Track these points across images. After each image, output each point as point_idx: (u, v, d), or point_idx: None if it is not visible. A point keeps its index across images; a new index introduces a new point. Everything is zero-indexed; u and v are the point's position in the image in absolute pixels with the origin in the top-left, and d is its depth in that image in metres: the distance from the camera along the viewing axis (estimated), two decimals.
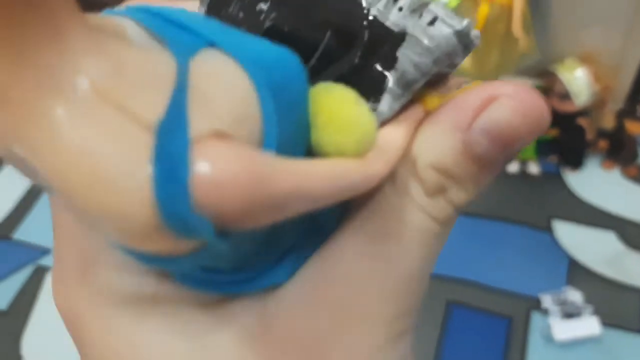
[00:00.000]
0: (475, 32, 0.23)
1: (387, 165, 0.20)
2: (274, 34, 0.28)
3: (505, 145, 0.20)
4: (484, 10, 1.17)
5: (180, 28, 0.22)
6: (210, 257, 0.18)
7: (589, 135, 1.48)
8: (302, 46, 0.27)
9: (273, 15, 0.29)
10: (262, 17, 0.29)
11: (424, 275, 0.21)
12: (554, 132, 1.51)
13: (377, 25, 0.25)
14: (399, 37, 0.24)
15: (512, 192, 1.54)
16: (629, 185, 1.52)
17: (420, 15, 0.24)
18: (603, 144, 1.52)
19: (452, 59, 0.23)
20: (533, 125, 0.20)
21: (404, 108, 0.23)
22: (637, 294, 1.34)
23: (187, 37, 0.21)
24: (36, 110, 0.16)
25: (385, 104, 0.24)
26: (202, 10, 0.31)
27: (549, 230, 1.46)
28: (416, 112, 0.23)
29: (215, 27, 0.23)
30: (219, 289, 0.21)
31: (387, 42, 0.24)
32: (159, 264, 0.18)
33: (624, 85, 1.44)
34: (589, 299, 1.31)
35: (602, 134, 1.50)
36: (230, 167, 0.15)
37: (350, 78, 0.25)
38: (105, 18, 0.19)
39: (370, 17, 0.25)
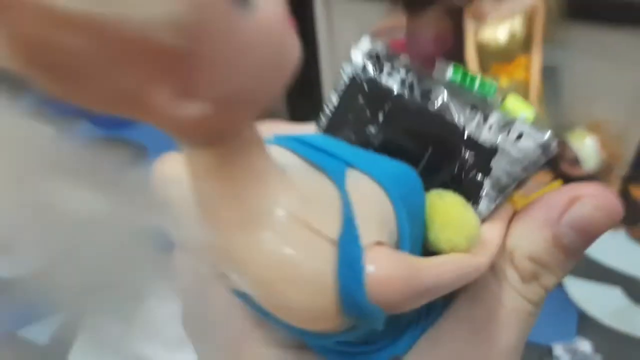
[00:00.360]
0: (554, 142, 0.30)
1: (489, 257, 0.24)
2: (382, 151, 0.35)
3: (588, 237, 0.25)
4: (504, 83, 1.31)
5: (325, 153, 0.29)
6: (357, 334, 0.21)
7: None
8: (406, 160, 0.33)
9: (381, 137, 0.36)
10: (371, 138, 0.36)
11: (519, 348, 0.25)
12: None
13: (472, 142, 0.33)
14: (492, 151, 0.31)
15: None
16: (634, 246, 1.63)
17: (509, 132, 0.32)
18: None
19: (537, 166, 0.30)
20: (611, 218, 0.26)
21: (501, 207, 0.29)
22: None
23: (332, 161, 0.28)
24: (245, 232, 0.20)
25: (484, 205, 0.31)
26: (321, 129, 0.39)
27: (560, 285, 1.56)
28: (507, 211, 0.28)
29: (347, 150, 0.31)
30: (350, 359, 0.25)
31: (481, 155, 0.32)
32: (312, 339, 0.23)
33: (629, 152, 1.57)
34: (598, 349, 1.41)
35: None
36: (391, 269, 0.20)
37: (451, 185, 0.32)
38: (274, 150, 0.25)
39: (466, 135, 0.32)
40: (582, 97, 1.52)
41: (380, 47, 0.39)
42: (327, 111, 0.38)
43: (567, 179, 1.58)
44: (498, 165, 0.31)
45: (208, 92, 0.18)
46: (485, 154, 0.31)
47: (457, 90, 0.35)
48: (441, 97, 0.34)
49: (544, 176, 1.59)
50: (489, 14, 1.26)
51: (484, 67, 1.33)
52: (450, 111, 0.33)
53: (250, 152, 0.22)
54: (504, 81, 1.32)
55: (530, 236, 0.26)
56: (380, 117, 0.36)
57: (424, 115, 0.34)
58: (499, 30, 1.27)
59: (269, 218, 0.21)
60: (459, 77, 0.36)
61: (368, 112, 0.36)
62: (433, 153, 0.34)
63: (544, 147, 0.30)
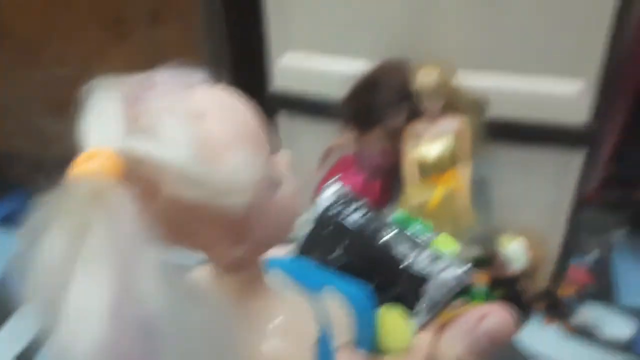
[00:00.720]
0: (471, 272, 0.46)
1: (420, 359, 0.40)
2: (344, 270, 0.48)
3: (495, 343, 0.40)
4: (439, 192, 1.53)
5: (304, 274, 0.43)
6: None
7: (528, 296, 1.79)
8: (361, 279, 0.47)
9: (343, 260, 0.50)
10: (337, 259, 0.50)
11: None
12: (500, 294, 1.81)
13: (410, 270, 0.46)
14: (424, 278, 0.45)
15: None
16: (567, 339, 1.79)
17: (437, 264, 0.47)
18: (541, 305, 1.82)
19: (460, 288, 0.45)
20: (510, 328, 0.42)
21: (430, 320, 0.43)
22: None
23: (311, 281, 0.42)
24: (250, 336, 0.36)
25: (419, 318, 0.44)
26: (296, 251, 0.54)
27: None
28: (436, 324, 0.42)
29: (321, 271, 0.46)
30: None
31: (416, 281, 0.45)
32: None
33: (554, 253, 1.78)
34: None
35: (538, 295, 1.80)
36: None
37: (395, 301, 0.45)
38: (269, 273, 0.41)
39: (405, 265, 0.46)
40: (509, 206, 1.74)
41: (346, 189, 0.56)
42: (302, 236, 0.54)
43: (500, 279, 1.77)
44: (429, 289, 0.45)
45: (250, 241, 0.37)
46: (420, 280, 0.45)
47: (402, 228, 0.49)
48: (389, 234, 0.50)
49: (482, 277, 1.77)
50: (423, 135, 1.50)
51: (422, 177, 1.55)
52: (395, 244, 0.47)
53: (260, 276, 0.38)
54: (439, 189, 1.54)
55: (455, 343, 0.40)
56: (342, 246, 0.49)
57: (375, 247, 0.47)
58: (431, 148, 1.50)
59: (268, 326, 0.35)
60: (403, 218, 0.51)
61: (333, 241, 0.50)
62: (381, 277, 0.47)
63: (463, 276, 0.45)
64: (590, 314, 1.84)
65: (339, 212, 0.49)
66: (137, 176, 0.31)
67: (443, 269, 0.46)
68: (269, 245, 0.40)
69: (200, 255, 0.38)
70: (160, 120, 0.32)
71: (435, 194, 1.54)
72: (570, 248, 1.79)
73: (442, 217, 1.57)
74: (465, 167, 1.53)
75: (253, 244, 0.37)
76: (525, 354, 1.75)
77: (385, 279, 0.46)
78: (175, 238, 0.34)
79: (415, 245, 0.47)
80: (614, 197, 2.15)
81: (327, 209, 0.50)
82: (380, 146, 1.57)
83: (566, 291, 1.78)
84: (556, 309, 1.80)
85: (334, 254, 0.48)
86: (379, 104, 1.49)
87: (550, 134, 1.57)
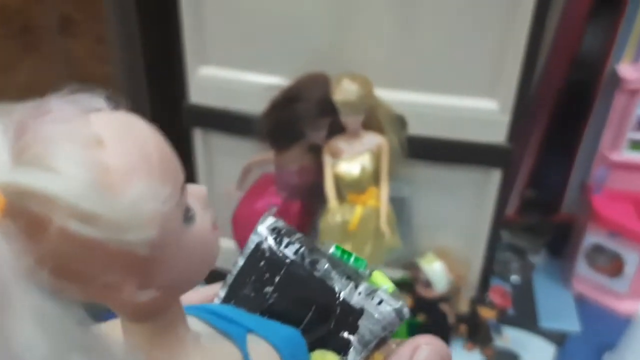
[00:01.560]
0: (406, 308, 0.42)
1: None
2: (275, 308, 0.46)
3: None
4: (359, 211, 1.49)
5: (228, 320, 0.40)
6: None
7: (451, 319, 1.76)
8: (293, 317, 0.45)
9: (275, 296, 0.47)
10: (267, 296, 0.47)
11: None
12: (422, 317, 1.78)
13: (345, 304, 0.44)
14: (359, 312, 0.43)
15: None
16: None
17: (372, 298, 0.44)
18: (462, 328, 1.80)
19: (392, 326, 0.41)
20: (443, 355, 0.39)
21: (364, 358, 0.41)
22: None
23: (235, 327, 0.39)
24: None
25: (351, 357, 0.42)
26: (224, 290, 0.50)
27: None
28: None
29: (247, 317, 0.42)
30: None
31: (351, 315, 0.43)
32: None
33: (474, 276, 1.76)
34: None
35: (460, 318, 1.78)
36: None
37: (327, 339, 0.42)
38: (189, 319, 0.36)
39: (341, 299, 0.44)
40: (429, 226, 1.72)
41: (281, 223, 0.53)
42: (234, 271, 0.49)
43: (422, 302, 1.74)
44: (363, 324, 0.42)
45: (160, 283, 0.31)
46: (354, 315, 0.43)
47: (337, 263, 0.47)
48: (324, 267, 0.47)
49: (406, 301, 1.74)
50: (343, 151, 1.46)
51: (341, 195, 1.51)
52: (330, 278, 0.46)
53: (176, 324, 0.34)
54: (359, 209, 1.50)
55: None
56: (276, 280, 0.47)
57: (310, 281, 0.45)
58: (352, 165, 1.46)
59: None
60: (339, 253, 0.49)
61: (267, 275, 0.47)
62: (315, 311, 0.44)
63: (398, 312, 0.42)
64: (512, 338, 1.83)
65: (272, 247, 0.47)
66: (24, 211, 0.28)
67: (380, 303, 0.43)
68: (182, 288, 0.36)
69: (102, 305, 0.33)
70: (51, 150, 0.28)
71: (355, 213, 1.50)
72: (490, 270, 1.79)
73: (362, 237, 1.53)
74: (384, 186, 1.50)
75: (163, 287, 0.33)
76: None
77: (320, 314, 0.44)
78: (70, 283, 0.30)
79: (351, 278, 0.45)
80: (532, 220, 2.18)
81: (260, 243, 0.48)
82: (299, 164, 1.52)
83: (488, 314, 1.76)
84: (477, 333, 1.78)
85: (266, 290, 0.46)
86: (299, 119, 1.44)
87: (468, 154, 1.57)
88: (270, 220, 0.51)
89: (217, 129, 1.71)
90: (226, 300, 0.49)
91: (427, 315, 1.77)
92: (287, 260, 0.47)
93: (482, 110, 1.50)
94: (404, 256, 1.73)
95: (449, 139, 1.54)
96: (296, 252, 0.48)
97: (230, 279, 0.49)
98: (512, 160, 1.57)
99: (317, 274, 0.45)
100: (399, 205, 1.67)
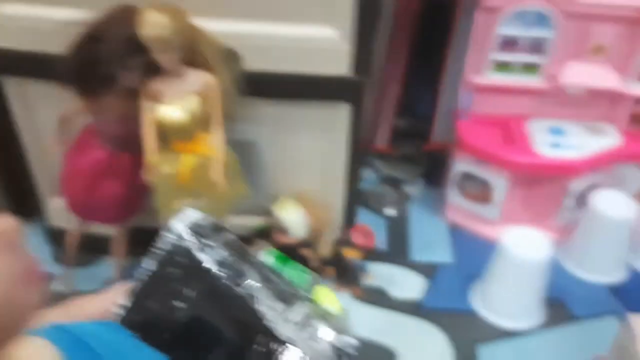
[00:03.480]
0: (352, 344, 0.32)
1: None
2: (183, 328, 0.37)
3: None
4: (188, 160, 1.33)
5: (85, 349, 0.32)
6: None
7: (313, 263, 1.67)
8: (201, 343, 0.36)
9: (189, 313, 0.38)
10: (177, 312, 0.38)
11: None
12: None
13: (268, 334, 0.34)
14: (283, 346, 0.33)
15: None
16: (357, 305, 1.71)
17: (306, 328, 0.33)
18: (330, 270, 1.71)
19: None
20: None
21: None
22: None
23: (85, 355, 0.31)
24: None
25: None
26: (130, 300, 0.39)
27: None
28: None
29: (113, 345, 0.34)
30: None
31: (275, 347, 0.33)
32: None
33: (336, 217, 1.66)
34: None
35: (325, 262, 1.69)
36: None
37: None
38: (32, 345, 0.29)
39: (264, 326, 0.34)
40: (283, 169, 1.59)
41: (204, 220, 0.40)
42: (143, 276, 0.39)
43: (282, 247, 1.63)
44: None
45: None
46: (279, 348, 0.33)
47: (270, 277, 0.38)
48: (252, 282, 0.37)
49: (263, 245, 1.62)
50: (164, 94, 1.28)
51: (166, 144, 1.34)
52: (257, 297, 0.36)
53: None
54: (188, 158, 1.34)
55: None
56: (189, 294, 0.37)
57: (232, 299, 0.36)
58: (175, 109, 1.29)
59: None
60: (275, 263, 0.36)
61: (180, 287, 0.38)
62: (233, 336, 0.35)
63: (337, 349, 0.32)
64: (380, 275, 1.77)
65: (191, 252, 0.39)
66: None
67: (313, 338, 0.34)
68: None
69: None
70: None
71: (184, 163, 1.34)
72: (353, 209, 1.69)
73: (198, 190, 1.38)
74: (217, 131, 1.34)
75: None
76: None
77: (232, 345, 0.37)
78: None
79: (286, 298, 0.37)
80: (406, 151, 2.10)
81: (176, 245, 0.39)
82: (116, 112, 1.34)
83: (352, 254, 1.68)
84: (344, 274, 1.70)
85: (176, 305, 0.38)
86: (106, 60, 1.24)
87: (312, 88, 1.43)
88: (191, 215, 0.41)
89: (29, 76, 1.48)
90: (131, 312, 0.40)
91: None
92: (208, 271, 0.38)
93: (319, 39, 1.35)
94: (258, 203, 1.60)
95: (290, 73, 1.39)
96: (220, 260, 0.38)
97: (138, 286, 0.40)
98: (360, 92, 1.44)
99: (240, 290, 0.36)
100: (246, 149, 1.52)
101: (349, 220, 1.69)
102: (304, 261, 1.66)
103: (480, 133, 1.81)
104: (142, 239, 1.64)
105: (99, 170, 1.39)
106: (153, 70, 1.27)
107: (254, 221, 1.64)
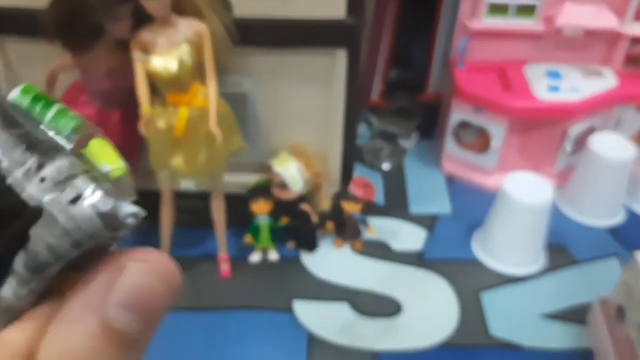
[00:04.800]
0: (128, 211, 0.22)
1: None
2: None
3: (146, 313, 0.19)
4: (183, 113, 1.28)
5: None
6: None
7: (314, 218, 1.64)
8: None
9: None
10: None
11: None
12: (285, 220, 1.64)
13: (11, 196, 0.23)
14: (34, 213, 0.23)
15: (255, 281, 1.62)
16: (358, 259, 1.69)
17: (64, 190, 0.23)
18: (329, 225, 1.68)
19: (98, 240, 0.22)
20: (168, 283, 0.19)
21: (33, 292, 0.21)
22: (368, 356, 1.46)
23: None
24: None
25: (9, 289, 0.22)
26: None
27: (290, 311, 1.55)
28: (49, 305, 0.20)
29: None
30: None
31: (18, 217, 0.23)
32: None
33: (335, 170, 1.63)
34: None
35: (325, 216, 1.66)
36: None
37: None
38: None
39: (11, 181, 0.23)
40: (279, 122, 1.55)
41: None
42: None
43: (282, 203, 1.59)
44: (38, 235, 0.22)
45: None
46: (26, 215, 0.22)
47: (17, 118, 0.26)
48: None
49: (263, 206, 1.58)
50: (155, 44, 1.22)
51: (161, 97, 1.28)
52: (3, 148, 0.24)
53: None
54: (183, 111, 1.28)
55: (65, 334, 0.18)
56: None
57: None
58: (167, 59, 1.23)
59: None
60: (26, 101, 0.26)
61: None
62: None
63: (106, 216, 0.22)
64: (381, 228, 1.75)
65: None
66: None
67: (75, 201, 0.22)
68: None
69: None
70: None
71: (179, 116, 1.29)
72: (352, 161, 1.65)
73: (194, 144, 1.33)
74: (212, 81, 1.28)
75: None
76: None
77: None
78: None
79: (37, 148, 0.24)
80: (401, 103, 2.06)
81: None
82: (105, 65, 1.27)
83: (352, 208, 1.65)
84: (345, 229, 1.68)
85: None
86: (94, 9, 1.18)
87: (307, 34, 1.37)
88: None
89: (9, 33, 1.40)
90: None
91: (289, 217, 1.64)
92: None
93: None
94: (255, 158, 1.56)
95: (283, 19, 1.34)
96: None
97: None
98: (357, 37, 1.39)
99: None
100: (240, 101, 1.47)
101: (348, 173, 1.65)
102: (304, 216, 1.63)
103: (477, 80, 1.77)
104: (136, 203, 1.60)
105: None
106: (142, 19, 1.21)
107: (251, 178, 1.60)
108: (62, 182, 0.22)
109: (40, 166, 0.23)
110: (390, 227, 1.77)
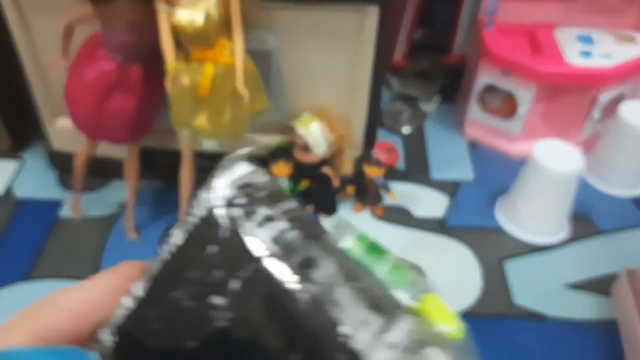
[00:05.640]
0: None
1: None
2: (223, 337, 0.23)
3: None
4: (209, 70, 1.22)
5: None
6: None
7: (335, 182, 1.60)
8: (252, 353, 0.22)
9: (230, 315, 0.23)
10: (214, 312, 0.24)
11: None
12: (305, 183, 1.60)
13: (350, 349, 0.20)
14: None
15: None
16: (378, 224, 1.66)
17: (417, 357, 0.20)
18: (350, 189, 1.65)
19: None
20: None
21: None
22: None
23: None
24: None
25: None
26: (144, 287, 0.26)
27: None
28: None
29: None
30: None
31: None
32: None
33: (358, 134, 1.58)
34: None
35: (346, 180, 1.62)
36: None
37: None
38: None
39: (350, 348, 0.21)
40: (304, 82, 1.49)
41: (258, 176, 0.26)
42: (164, 253, 0.26)
43: (302, 167, 1.55)
44: None
45: None
46: None
47: (355, 271, 0.24)
48: (327, 277, 0.23)
49: (284, 169, 1.54)
50: None
51: (185, 53, 1.23)
52: (335, 302, 0.22)
53: None
54: (208, 68, 1.23)
55: None
56: (236, 286, 0.23)
57: (295, 300, 0.22)
58: (193, 12, 1.17)
59: None
60: (361, 250, 0.22)
61: (219, 274, 0.24)
62: (296, 357, 0.22)
63: None
64: (402, 194, 1.71)
65: (236, 223, 0.25)
66: None
67: None
68: None
69: None
70: None
71: (204, 73, 1.23)
72: (375, 125, 1.61)
73: (219, 103, 1.28)
74: (238, 37, 1.23)
75: None
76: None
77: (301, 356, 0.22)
78: None
79: (380, 308, 0.22)
80: (423, 65, 2.00)
81: (214, 213, 0.25)
82: (128, 18, 1.21)
83: (375, 172, 1.61)
84: (366, 193, 1.64)
85: (214, 303, 0.24)
86: None
87: None
88: (239, 169, 0.26)
89: None
90: (144, 307, 0.26)
91: (311, 181, 1.60)
92: (258, 254, 0.24)
93: None
94: (279, 119, 1.51)
95: None
96: (278, 239, 0.24)
97: (155, 267, 0.26)
98: None
99: (309, 288, 0.23)
100: (264, 59, 1.42)
101: (371, 137, 1.61)
102: (325, 180, 1.59)
103: (506, 43, 1.71)
104: (155, 162, 1.56)
105: (108, 83, 1.28)
106: None
107: (273, 139, 1.55)
108: (412, 351, 0.20)
109: (386, 329, 0.20)
110: (411, 193, 1.73)
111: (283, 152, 1.54)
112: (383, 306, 0.22)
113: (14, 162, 1.75)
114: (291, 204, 0.26)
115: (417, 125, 1.95)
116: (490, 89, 1.79)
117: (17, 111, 1.62)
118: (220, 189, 0.26)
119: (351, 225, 0.27)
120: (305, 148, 1.50)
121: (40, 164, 1.72)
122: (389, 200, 1.67)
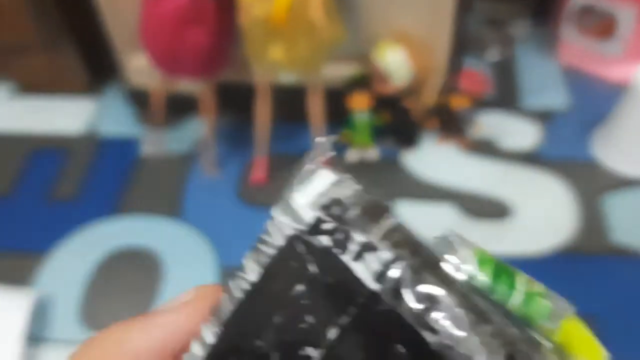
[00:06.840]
0: None
1: None
2: None
3: None
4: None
5: None
6: None
7: (417, 114, 1.51)
8: None
9: None
10: None
11: None
12: (385, 117, 1.53)
13: None
14: None
15: None
16: (464, 158, 1.57)
17: None
18: (433, 121, 1.56)
19: None
20: None
21: None
22: None
23: None
24: None
25: None
26: (213, 334, 0.22)
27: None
28: None
29: None
30: None
31: None
32: None
33: (441, 61, 1.48)
34: None
35: (430, 111, 1.53)
36: None
37: None
38: None
39: None
40: (381, 6, 1.39)
41: (344, 185, 0.21)
42: (239, 289, 0.22)
43: (382, 98, 1.48)
44: None
45: None
46: None
47: (482, 307, 0.20)
48: (450, 319, 0.19)
49: (362, 100, 1.47)
50: None
51: None
52: (463, 348, 0.18)
53: None
54: None
55: None
56: (332, 335, 0.20)
57: (414, 349, 0.19)
58: None
59: None
60: (487, 277, 0.20)
61: (316, 317, 0.20)
62: None
63: None
64: (490, 124, 1.61)
65: (326, 252, 0.19)
66: None
67: None
68: None
69: None
70: None
71: (278, 2, 1.16)
72: (460, 51, 1.49)
73: (293, 34, 1.22)
74: None
75: None
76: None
77: None
78: None
79: (517, 353, 0.18)
80: None
81: (296, 241, 0.20)
82: None
83: (460, 102, 1.51)
84: (450, 125, 1.55)
85: (311, 350, 0.19)
86: None
87: None
88: (320, 180, 0.22)
89: None
90: (217, 357, 0.22)
91: (392, 113, 1.52)
92: (363, 290, 0.20)
93: None
94: (355, 47, 1.42)
95: None
96: (381, 276, 0.20)
97: (227, 308, 0.22)
98: None
99: (429, 334, 0.19)
100: None
101: (456, 64, 1.50)
102: (406, 113, 1.51)
103: None
104: (232, 96, 1.52)
105: (183, 16, 1.24)
106: None
107: (350, 69, 1.48)
108: None
109: None
110: (499, 123, 1.63)
111: (361, 83, 1.46)
112: (521, 349, 0.18)
113: (92, 101, 1.77)
114: (392, 222, 0.21)
115: (506, 51, 1.81)
116: (587, 10, 1.62)
117: (93, 48, 1.62)
118: (301, 209, 0.21)
119: (465, 239, 0.21)
120: (385, 78, 1.42)
121: (118, 102, 1.73)
122: (475, 131, 1.58)
